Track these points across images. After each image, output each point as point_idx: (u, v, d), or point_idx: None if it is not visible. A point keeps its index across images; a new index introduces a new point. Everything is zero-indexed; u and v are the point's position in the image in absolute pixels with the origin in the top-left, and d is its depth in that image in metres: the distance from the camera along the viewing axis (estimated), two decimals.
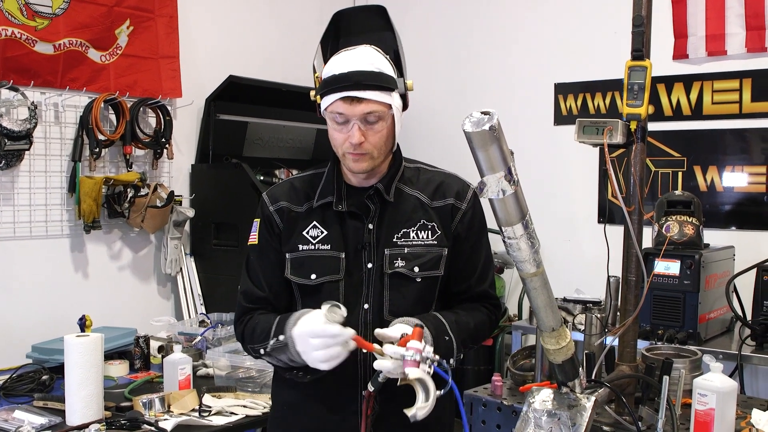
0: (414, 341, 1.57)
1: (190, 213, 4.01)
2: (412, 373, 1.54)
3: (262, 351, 1.78)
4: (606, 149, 2.03)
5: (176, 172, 4.08)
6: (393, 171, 1.87)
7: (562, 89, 4.28)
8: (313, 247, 1.83)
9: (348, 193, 1.85)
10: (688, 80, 3.86)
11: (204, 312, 3.88)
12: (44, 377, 2.91)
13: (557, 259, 4.19)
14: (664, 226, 3.16)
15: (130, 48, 3.84)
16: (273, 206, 1.89)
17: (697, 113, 3.85)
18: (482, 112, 1.37)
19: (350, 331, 1.63)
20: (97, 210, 3.62)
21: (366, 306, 1.80)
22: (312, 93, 1.84)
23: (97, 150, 3.62)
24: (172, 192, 3.89)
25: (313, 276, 1.80)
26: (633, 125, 2.06)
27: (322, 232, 1.84)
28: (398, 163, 1.89)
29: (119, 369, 3.15)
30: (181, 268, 4.06)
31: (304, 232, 1.85)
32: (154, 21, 3.93)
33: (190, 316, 3.93)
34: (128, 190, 3.76)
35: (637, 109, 2.04)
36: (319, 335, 1.63)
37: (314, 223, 1.85)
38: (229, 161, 4.12)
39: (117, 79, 3.77)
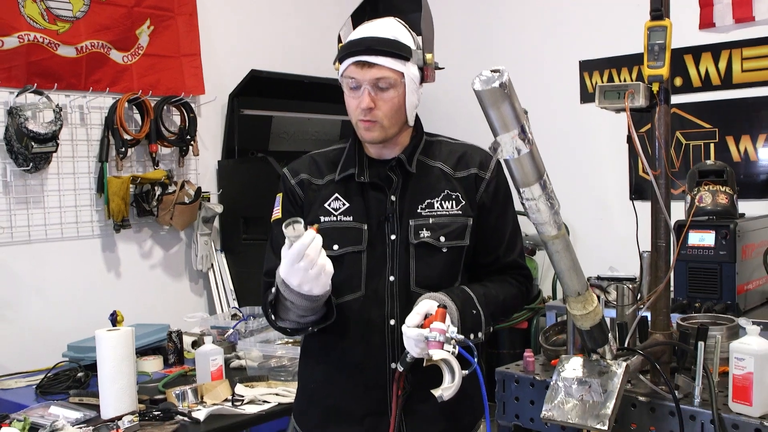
0: (437, 322, 1.56)
1: (219, 209, 4.03)
2: (436, 354, 1.53)
3: (271, 314, 1.77)
4: (628, 113, 1.98)
5: (203, 168, 4.10)
6: (414, 143, 1.85)
7: (587, 66, 4.21)
8: (335, 218, 1.82)
9: (370, 165, 1.84)
10: (716, 49, 3.77)
11: (236, 306, 3.89)
12: (80, 374, 2.94)
13: (590, 238, 4.14)
14: (697, 196, 3.09)
15: (151, 47, 3.86)
16: (294, 179, 1.89)
17: (726, 82, 3.77)
18: (492, 70, 1.34)
19: (309, 234, 1.59)
20: (126, 209, 3.65)
21: (392, 278, 1.78)
22: (335, 65, 1.84)
23: (123, 150, 3.65)
24: (199, 188, 3.91)
25: (336, 246, 1.79)
26: (655, 87, 1.99)
27: (344, 204, 1.83)
28: (420, 135, 1.87)
29: (153, 364, 3.16)
30: (212, 264, 4.08)
31: (326, 204, 1.84)
32: (174, 20, 3.95)
33: (222, 311, 3.94)
34: (156, 188, 3.79)
35: (658, 70, 1.98)
36: (294, 258, 1.59)
37: (336, 195, 1.84)
38: (255, 155, 4.12)
39: (140, 79, 3.80)
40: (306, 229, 1.59)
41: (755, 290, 3.10)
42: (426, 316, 1.58)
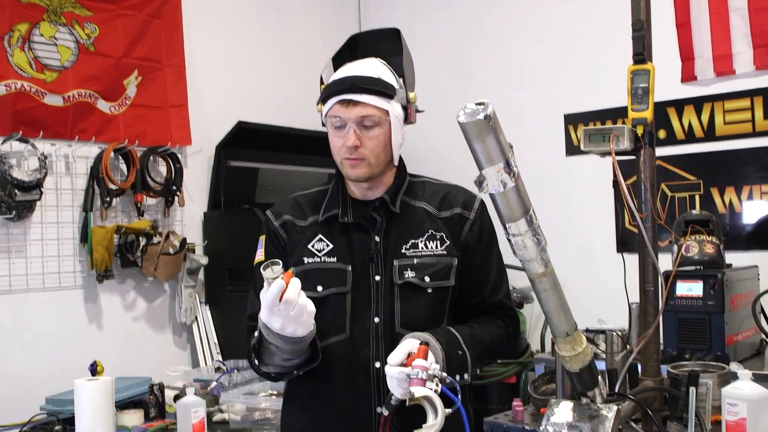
0: (419, 359, 1.53)
1: (204, 260, 3.99)
2: (418, 391, 1.49)
3: (255, 360, 1.73)
4: (614, 156, 1.98)
5: (188, 219, 4.08)
6: (398, 182, 1.85)
7: (572, 119, 4.25)
8: (319, 259, 1.80)
9: (353, 205, 1.83)
10: (698, 102, 3.81)
11: (220, 359, 3.82)
12: (57, 428, 2.86)
13: (578, 291, 4.08)
14: (684, 246, 3.08)
15: (139, 98, 3.87)
16: (277, 221, 1.88)
17: (710, 135, 3.80)
18: (477, 103, 1.33)
19: (286, 276, 1.57)
20: (109, 259, 3.60)
21: (377, 319, 1.76)
22: (318, 107, 1.84)
23: (108, 199, 3.63)
24: (184, 239, 3.87)
25: (320, 288, 1.76)
26: (640, 130, 2.00)
27: (327, 245, 1.81)
28: (403, 175, 1.87)
29: (134, 418, 3.08)
30: (196, 317, 4.02)
31: (310, 246, 1.82)
32: (162, 71, 3.97)
33: (206, 364, 3.87)
34: (140, 238, 3.75)
35: (642, 113, 1.99)
36: (273, 301, 1.57)
37: (320, 236, 1.82)
38: (241, 207, 4.10)
39: (127, 129, 3.80)
40: (285, 270, 1.57)
41: (745, 341, 3.07)
42: (409, 355, 1.55)
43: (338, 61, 1.89)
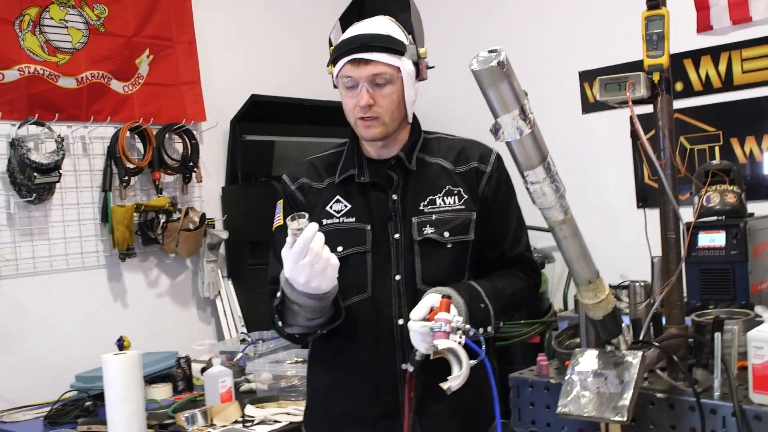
0: (442, 312, 1.53)
1: (224, 235, 4.01)
2: (441, 344, 1.50)
3: (279, 321, 1.73)
4: (630, 104, 1.95)
5: (207, 195, 4.09)
6: (413, 140, 1.84)
7: (587, 76, 4.20)
8: (337, 220, 1.80)
9: (369, 165, 1.83)
10: (715, 52, 3.76)
11: (245, 331, 3.85)
12: (88, 403, 2.91)
13: (599, 248, 4.05)
14: (705, 196, 3.05)
15: (151, 77, 3.87)
16: (294, 184, 1.89)
17: (728, 85, 3.75)
18: (489, 51, 1.32)
19: (312, 227, 1.55)
20: (130, 237, 3.63)
21: (398, 277, 1.76)
22: (328, 68, 1.83)
23: (126, 178, 3.64)
24: (203, 215, 3.89)
25: (340, 248, 1.76)
26: (656, 77, 1.98)
27: (345, 206, 1.81)
28: (417, 132, 1.86)
29: (162, 392, 3.13)
30: (219, 291, 4.04)
31: (328, 207, 1.82)
32: (173, 48, 3.97)
33: (231, 337, 3.90)
34: (160, 215, 3.77)
35: (658, 59, 1.96)
36: (298, 254, 1.56)
37: (337, 197, 1.82)
38: (258, 180, 4.11)
39: (141, 108, 3.80)
40: (306, 216, 1.56)
41: None
42: (431, 310, 1.55)
43: (346, 21, 1.87)
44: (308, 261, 1.55)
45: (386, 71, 1.71)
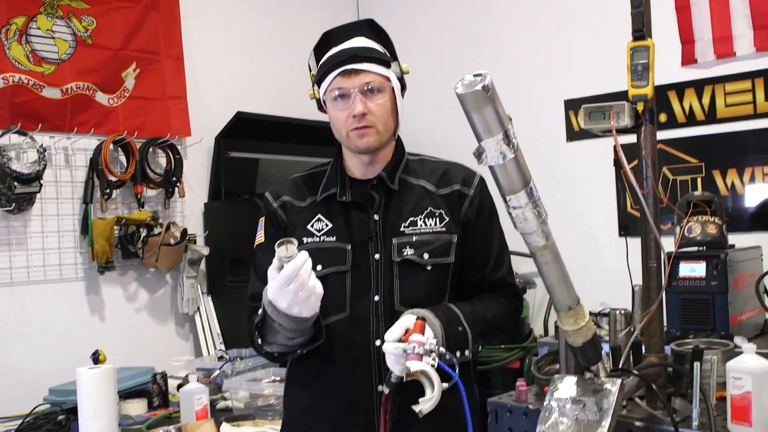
0: (415, 334, 1.52)
1: (205, 251, 3.98)
2: (414, 365, 1.49)
3: (258, 338, 1.72)
4: (614, 133, 1.97)
5: (189, 210, 4.07)
6: (396, 160, 1.84)
7: (572, 105, 4.23)
8: (318, 239, 1.79)
9: (352, 184, 1.83)
10: (699, 85, 3.80)
11: (223, 349, 3.81)
12: (60, 417, 2.86)
13: (580, 275, 4.06)
14: (686, 227, 3.07)
15: (137, 90, 3.86)
16: (276, 202, 1.88)
17: (711, 117, 3.78)
18: (474, 74, 1.32)
19: (302, 255, 1.56)
20: (110, 250, 3.59)
21: (377, 298, 1.75)
22: (309, 92, 1.83)
23: (108, 191, 3.62)
24: (185, 230, 3.86)
25: (319, 267, 1.75)
26: (640, 107, 2.00)
27: (326, 225, 1.80)
28: (401, 152, 1.86)
29: (137, 407, 3.08)
30: (198, 307, 4.01)
31: (309, 226, 1.81)
32: (160, 63, 3.96)
33: (209, 354, 3.86)
34: (141, 229, 3.74)
35: (642, 89, 1.99)
36: (284, 282, 1.56)
37: (318, 216, 1.82)
38: (241, 197, 4.10)
39: (125, 121, 3.78)
40: (293, 243, 1.56)
41: (749, 321, 3.06)
42: (407, 331, 1.54)
43: (319, 51, 1.87)
44: (293, 288, 1.55)
45: (377, 80, 1.72)
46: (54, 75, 3.55)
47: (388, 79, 1.74)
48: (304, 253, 1.57)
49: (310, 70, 1.86)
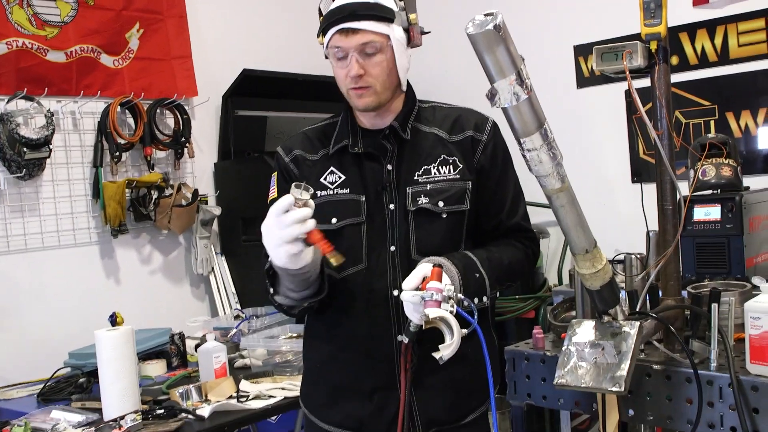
0: (433, 281, 1.51)
1: (217, 211, 3.98)
2: (432, 312, 1.48)
3: (270, 288, 1.72)
4: (628, 73, 1.93)
5: (199, 171, 4.06)
6: (407, 109, 1.81)
7: (582, 51, 4.17)
8: (331, 192, 1.78)
9: (363, 135, 1.81)
10: (711, 25, 3.73)
11: (239, 308, 3.84)
12: (81, 380, 2.89)
13: (594, 223, 4.04)
14: (700, 170, 3.04)
15: (142, 51, 3.83)
16: (288, 156, 1.87)
17: (723, 58, 3.72)
18: (485, 14, 1.29)
19: (286, 198, 1.53)
20: (122, 213, 3.60)
21: (393, 248, 1.74)
22: (319, 39, 1.80)
23: (117, 154, 3.61)
24: (196, 190, 3.87)
25: (334, 219, 1.75)
26: (653, 45, 1.95)
27: (340, 177, 1.79)
28: (412, 101, 1.83)
29: (156, 368, 3.11)
30: (212, 268, 4.03)
31: (322, 179, 1.80)
32: (163, 22, 3.92)
33: (225, 314, 3.89)
34: (152, 191, 3.74)
35: (656, 27, 1.93)
36: (271, 215, 1.54)
37: (331, 168, 1.80)
38: (251, 156, 4.08)
39: (131, 83, 3.76)
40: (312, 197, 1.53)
41: (765, 263, 3.04)
42: (424, 279, 1.53)
43: None
44: (273, 237, 1.54)
45: (375, 39, 1.68)
46: (57, 38, 3.52)
47: (388, 37, 1.69)
48: (289, 197, 1.52)
49: (321, 14, 1.83)
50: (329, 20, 1.70)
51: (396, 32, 1.71)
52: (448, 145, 1.79)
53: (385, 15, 1.69)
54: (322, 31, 1.73)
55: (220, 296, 4.00)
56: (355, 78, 1.69)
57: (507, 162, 1.84)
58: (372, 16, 1.68)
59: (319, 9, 1.83)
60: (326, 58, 1.79)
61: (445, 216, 1.75)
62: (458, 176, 1.76)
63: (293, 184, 1.55)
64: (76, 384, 2.88)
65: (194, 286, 4.06)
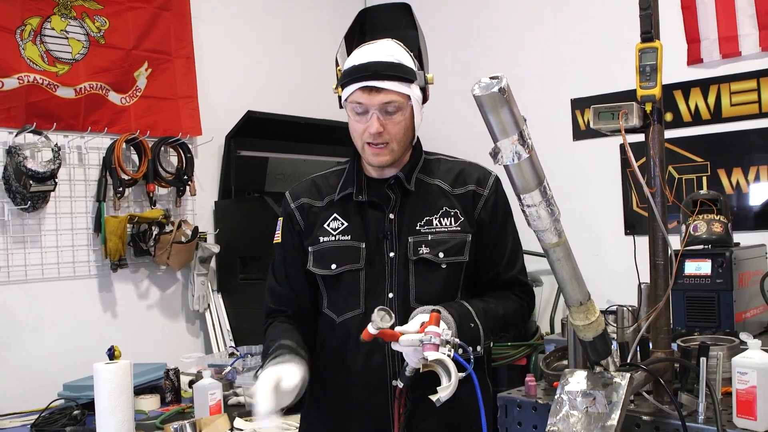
0: (431, 326, 1.56)
1: (216, 249, 4.03)
2: (431, 355, 1.52)
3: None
4: (623, 133, 2.01)
5: (200, 209, 4.12)
6: (413, 161, 1.88)
7: (579, 104, 4.27)
8: (333, 238, 1.84)
9: (368, 184, 1.86)
10: (704, 84, 3.84)
11: (233, 346, 3.86)
12: (76, 412, 2.91)
13: (587, 273, 4.10)
14: (692, 225, 3.11)
15: (149, 90, 3.91)
16: (294, 203, 1.92)
17: (716, 116, 3.82)
18: (491, 77, 1.37)
19: (272, 418, 1.62)
20: (122, 248, 3.64)
21: (391, 295, 1.79)
22: (334, 89, 1.86)
23: (120, 189, 3.67)
24: (196, 228, 3.91)
25: (333, 266, 1.80)
26: (648, 107, 2.04)
27: (342, 224, 1.84)
28: (418, 153, 1.90)
29: (150, 403, 3.14)
30: (209, 305, 4.06)
31: (325, 225, 1.86)
32: (171, 62, 4.01)
33: (219, 351, 3.91)
34: (153, 227, 3.79)
35: (650, 90, 2.03)
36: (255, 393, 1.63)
37: (335, 215, 1.86)
38: (251, 196, 4.14)
39: (137, 120, 3.84)
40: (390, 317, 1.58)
41: (753, 319, 3.10)
42: (422, 325, 1.58)
43: (350, 40, 1.91)
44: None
45: (397, 99, 1.73)
46: (68, 75, 3.60)
47: (408, 97, 1.75)
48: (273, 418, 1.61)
49: (337, 65, 1.89)
50: (352, 76, 1.74)
51: (415, 92, 1.77)
52: (451, 198, 1.85)
53: (408, 77, 1.75)
54: (342, 85, 1.78)
55: (215, 333, 4.02)
56: (375, 135, 1.75)
57: (507, 216, 1.90)
58: (396, 77, 1.73)
59: (336, 60, 1.89)
60: (340, 107, 1.85)
61: (444, 266, 1.80)
62: (459, 228, 1.82)
63: (376, 310, 1.57)
64: (70, 416, 2.90)
65: (190, 323, 4.08)
